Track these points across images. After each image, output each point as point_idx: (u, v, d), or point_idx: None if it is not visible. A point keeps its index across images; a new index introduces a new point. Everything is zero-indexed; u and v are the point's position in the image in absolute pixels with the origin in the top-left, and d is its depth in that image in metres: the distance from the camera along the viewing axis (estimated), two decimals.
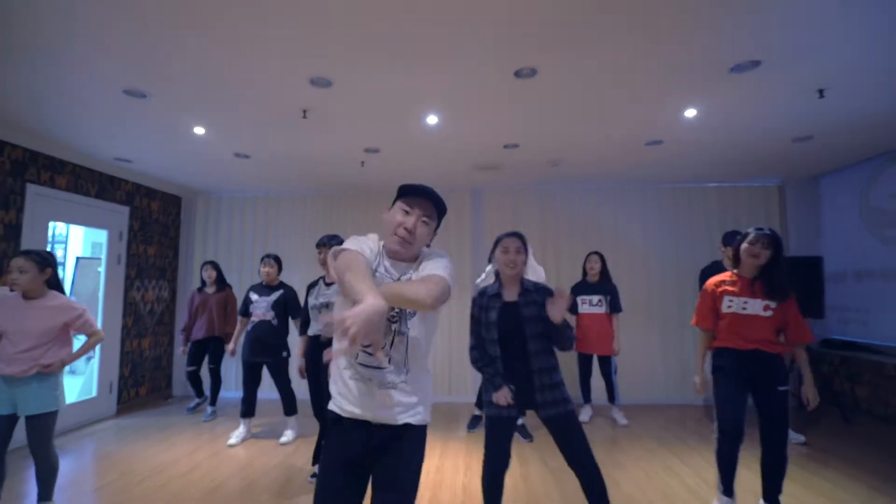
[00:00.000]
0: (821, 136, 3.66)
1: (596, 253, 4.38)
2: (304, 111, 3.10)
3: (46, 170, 3.89)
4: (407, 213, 1.45)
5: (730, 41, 2.30)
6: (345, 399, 1.42)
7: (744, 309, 2.39)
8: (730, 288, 2.44)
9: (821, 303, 4.12)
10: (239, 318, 3.81)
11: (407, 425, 1.42)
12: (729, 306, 2.42)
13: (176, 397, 5.34)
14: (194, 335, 4.48)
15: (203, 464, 3.31)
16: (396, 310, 1.42)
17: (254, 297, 3.72)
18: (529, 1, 2.00)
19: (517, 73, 2.62)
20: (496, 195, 5.38)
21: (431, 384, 1.55)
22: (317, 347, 3.16)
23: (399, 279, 1.44)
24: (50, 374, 2.43)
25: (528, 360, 2.10)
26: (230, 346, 3.86)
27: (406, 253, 1.46)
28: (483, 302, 2.20)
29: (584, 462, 2.04)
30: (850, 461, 3.26)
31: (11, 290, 2.45)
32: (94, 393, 4.39)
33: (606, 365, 4.28)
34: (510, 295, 2.17)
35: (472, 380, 4.95)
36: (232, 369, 5.35)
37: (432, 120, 3.32)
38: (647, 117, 3.29)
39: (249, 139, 3.72)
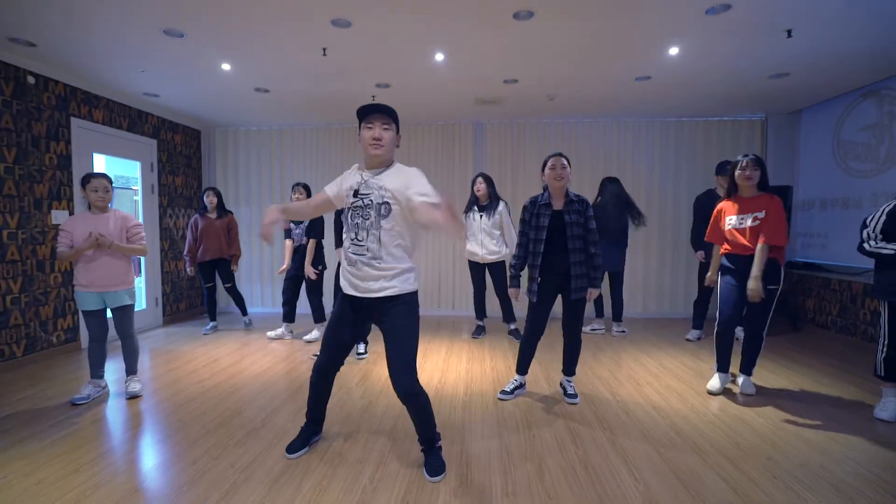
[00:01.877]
0: (796, 72, 3.97)
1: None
2: (324, 49, 3.42)
3: (84, 104, 4.24)
4: (370, 128, 1.96)
5: None
6: (346, 281, 2.07)
7: (741, 223, 2.90)
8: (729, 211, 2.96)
9: (787, 227, 4.62)
10: (284, 241, 4.40)
11: (389, 297, 1.97)
12: (730, 223, 2.93)
13: None
14: (201, 257, 4.61)
15: (250, 355, 4.00)
16: (367, 215, 1.93)
17: (291, 225, 4.29)
18: None
19: (516, 15, 2.93)
20: (497, 128, 5.72)
21: (412, 274, 2.02)
22: None
23: (374, 180, 1.95)
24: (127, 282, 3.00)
25: (567, 256, 2.70)
26: (287, 264, 4.34)
27: (381, 157, 1.97)
28: (535, 210, 2.77)
29: (574, 329, 2.88)
30: (793, 357, 3.95)
31: (90, 209, 2.93)
32: (143, 306, 5.04)
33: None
34: (557, 205, 2.74)
35: (469, 297, 5.57)
36: (257, 288, 6.01)
37: (439, 57, 3.63)
38: (636, 55, 3.60)
39: (271, 75, 4.04)
